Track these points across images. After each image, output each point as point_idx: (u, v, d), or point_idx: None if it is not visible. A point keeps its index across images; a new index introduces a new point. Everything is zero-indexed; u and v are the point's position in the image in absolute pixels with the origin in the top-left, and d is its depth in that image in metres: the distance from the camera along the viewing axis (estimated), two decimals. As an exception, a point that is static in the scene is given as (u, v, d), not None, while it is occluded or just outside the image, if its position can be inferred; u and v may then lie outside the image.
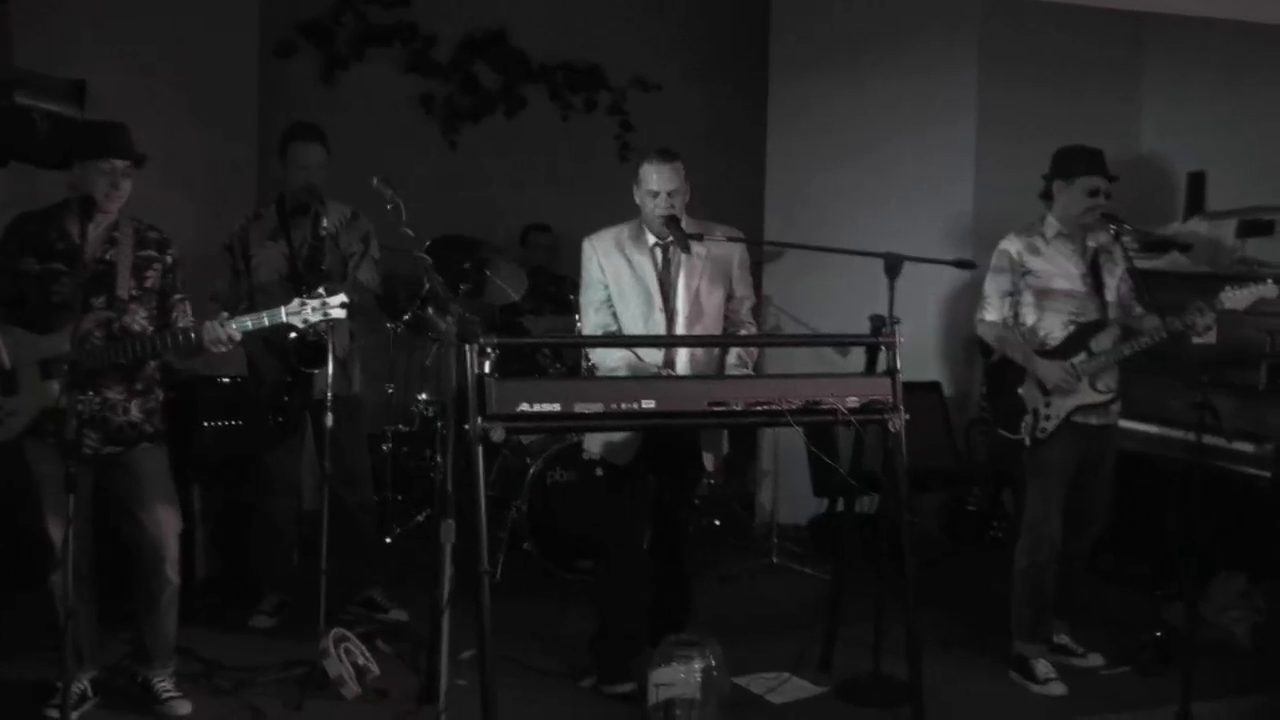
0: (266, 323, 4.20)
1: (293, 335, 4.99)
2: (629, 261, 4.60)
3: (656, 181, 4.52)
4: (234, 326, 4.15)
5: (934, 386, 6.70)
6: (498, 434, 3.84)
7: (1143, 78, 7.12)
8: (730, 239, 4.67)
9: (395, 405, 6.80)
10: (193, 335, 4.14)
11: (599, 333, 4.62)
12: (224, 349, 4.19)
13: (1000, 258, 4.91)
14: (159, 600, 4.35)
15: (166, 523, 4.31)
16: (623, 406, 4.03)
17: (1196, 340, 4.82)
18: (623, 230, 4.67)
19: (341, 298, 4.20)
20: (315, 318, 4.17)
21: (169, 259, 4.37)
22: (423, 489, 6.65)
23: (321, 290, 4.23)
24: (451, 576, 3.92)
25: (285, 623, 5.30)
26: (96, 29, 5.54)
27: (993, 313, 4.91)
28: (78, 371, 3.92)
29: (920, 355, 6.65)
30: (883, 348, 4.40)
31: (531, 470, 5.95)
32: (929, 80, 6.91)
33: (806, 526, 6.93)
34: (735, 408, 4.16)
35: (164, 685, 4.40)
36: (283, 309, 4.16)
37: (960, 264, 4.62)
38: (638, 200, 4.61)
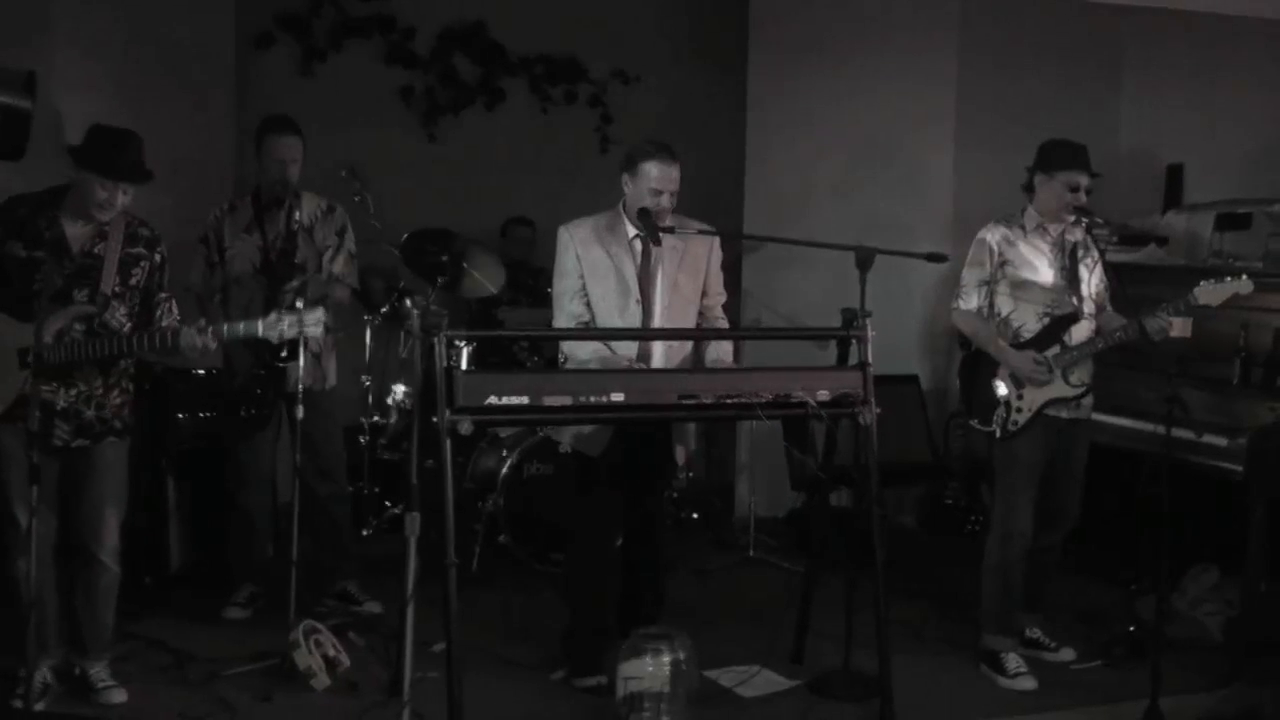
0: (242, 332, 4.22)
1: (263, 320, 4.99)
2: (607, 252, 4.60)
3: (661, 180, 4.51)
4: (210, 334, 4.16)
5: (911, 380, 6.71)
6: (465, 427, 3.84)
7: (1122, 72, 7.13)
8: (703, 233, 4.67)
9: (372, 398, 6.78)
10: (169, 338, 4.15)
11: (572, 323, 4.61)
12: (199, 355, 4.22)
13: (979, 247, 4.91)
14: (96, 587, 4.34)
15: (110, 511, 4.31)
16: (592, 399, 4.03)
17: (1175, 335, 4.81)
18: (601, 220, 4.66)
19: (319, 314, 4.21)
20: (291, 333, 4.17)
21: (157, 257, 4.38)
22: (399, 481, 6.64)
23: (300, 305, 4.29)
24: (418, 569, 3.93)
25: (259, 614, 5.29)
26: (71, 19, 5.53)
27: (968, 301, 4.91)
28: (43, 363, 3.91)
29: (901, 349, 6.67)
30: (854, 341, 4.40)
31: (508, 463, 5.94)
32: (909, 73, 6.92)
33: (784, 519, 6.93)
34: (705, 401, 4.16)
35: (99, 675, 4.40)
36: (259, 322, 4.16)
37: (932, 257, 4.61)
38: (628, 190, 4.60)
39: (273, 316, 4.17)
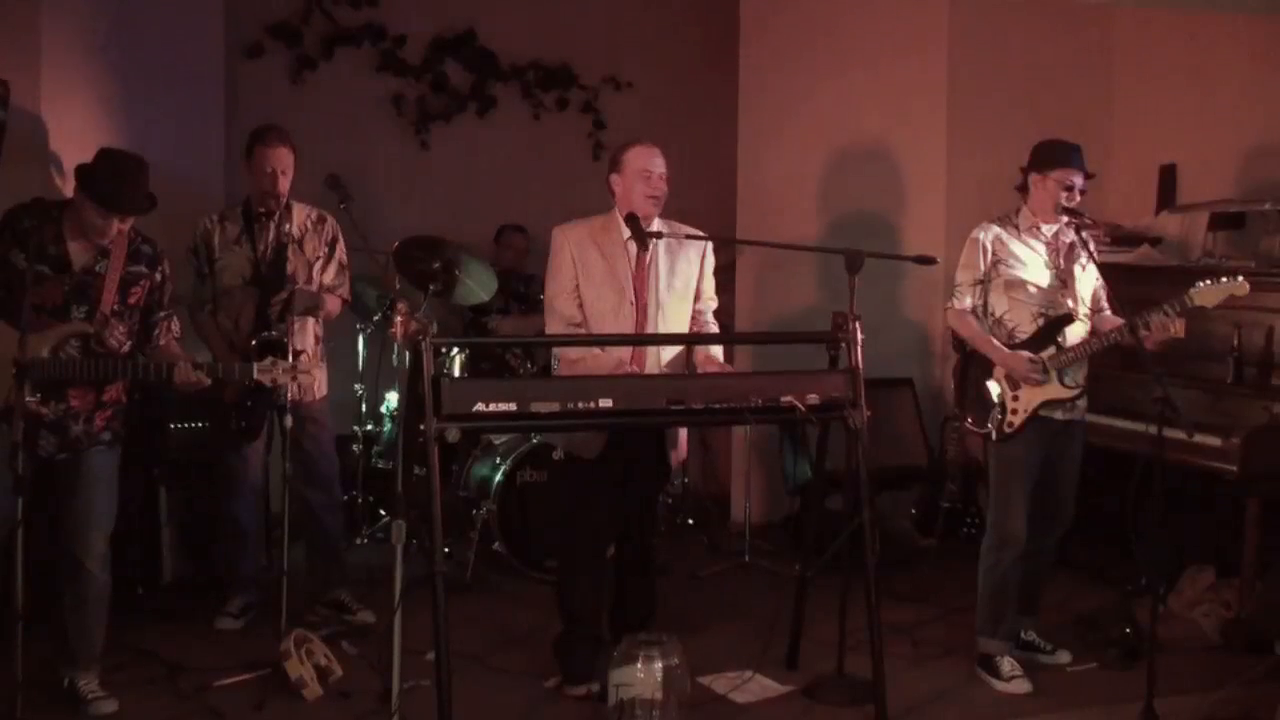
0: (237, 375, 4.36)
1: (254, 343, 4.99)
2: (601, 254, 4.61)
3: (647, 161, 4.57)
4: (205, 371, 4.23)
5: (906, 383, 6.69)
6: (452, 434, 3.83)
7: (1113, 70, 7.11)
8: (693, 236, 4.67)
9: (366, 406, 6.78)
10: (165, 371, 4.18)
11: (564, 324, 4.60)
12: (192, 389, 4.27)
13: (972, 247, 4.88)
14: (85, 596, 4.33)
15: (98, 520, 4.31)
16: (580, 405, 4.01)
17: (1170, 335, 4.79)
18: (595, 222, 4.68)
19: (312, 368, 4.43)
20: (284, 380, 4.32)
21: (159, 276, 4.39)
22: (393, 490, 6.63)
23: (296, 360, 4.41)
24: (407, 577, 3.92)
25: (251, 624, 5.28)
26: (59, 27, 5.51)
27: (962, 301, 4.88)
28: (27, 375, 3.90)
29: (895, 352, 6.65)
30: (843, 344, 4.38)
31: (501, 470, 5.93)
32: (900, 77, 6.90)
33: (780, 525, 6.91)
34: (694, 406, 4.15)
35: (89, 686, 4.38)
36: (255, 365, 4.30)
37: (921, 260, 4.60)
38: (618, 190, 4.63)
39: (267, 361, 4.31)
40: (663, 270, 4.64)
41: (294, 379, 4.34)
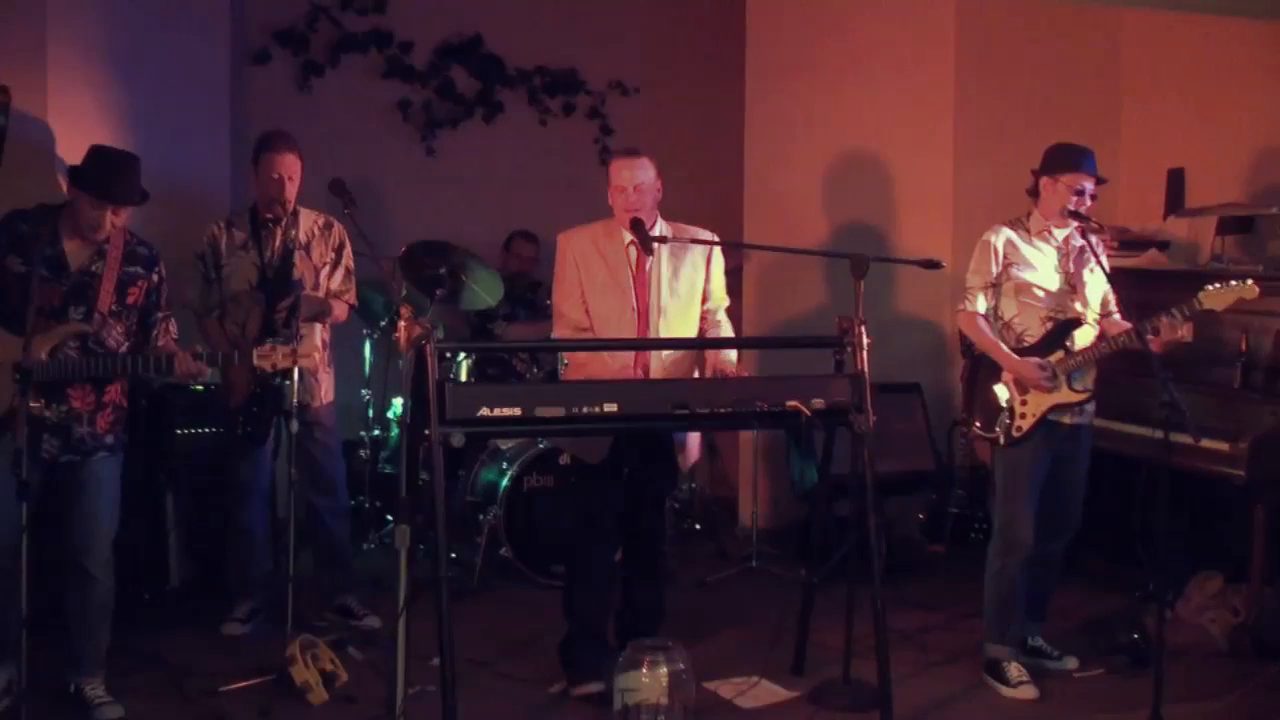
0: (237, 361, 4.38)
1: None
2: (603, 259, 4.62)
3: (624, 176, 4.57)
4: (205, 360, 4.26)
5: (913, 388, 6.67)
6: (457, 439, 3.83)
7: (1121, 75, 7.09)
8: (696, 241, 4.67)
9: (373, 411, 6.78)
10: (165, 364, 4.20)
11: (571, 329, 4.62)
12: (192, 380, 4.35)
13: (984, 249, 4.87)
14: (90, 602, 4.34)
15: (102, 526, 4.32)
16: (585, 410, 4.01)
17: (1178, 338, 4.78)
18: (598, 227, 4.70)
19: (314, 342, 4.46)
20: (284, 364, 4.32)
21: (155, 277, 4.40)
22: (399, 495, 6.63)
23: (295, 342, 4.41)
24: (412, 583, 3.92)
25: (258, 629, 5.28)
26: (66, 35, 5.52)
27: (974, 304, 4.86)
28: (29, 378, 3.90)
29: (903, 357, 6.63)
30: (849, 348, 4.37)
31: (508, 475, 5.93)
32: (906, 80, 6.89)
33: (788, 530, 6.90)
34: (699, 411, 4.14)
35: (95, 691, 4.38)
36: (254, 350, 4.30)
37: (927, 264, 4.59)
38: (610, 201, 4.65)
39: (267, 346, 4.30)
40: (665, 275, 4.65)
41: (294, 362, 4.33)
